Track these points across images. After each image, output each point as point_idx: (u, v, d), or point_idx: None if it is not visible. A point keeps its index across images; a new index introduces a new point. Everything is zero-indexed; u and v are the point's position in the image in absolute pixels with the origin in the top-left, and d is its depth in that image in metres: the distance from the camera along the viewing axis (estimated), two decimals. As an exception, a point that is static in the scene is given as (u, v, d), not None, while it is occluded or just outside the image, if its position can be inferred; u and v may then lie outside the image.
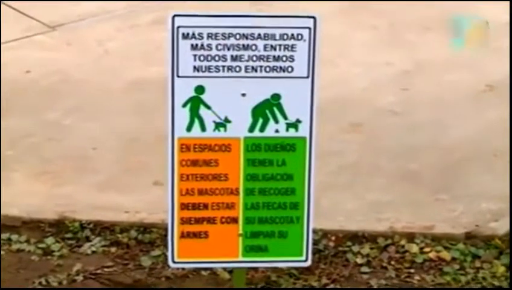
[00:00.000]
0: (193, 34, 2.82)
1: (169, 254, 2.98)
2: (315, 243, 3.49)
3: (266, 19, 2.86)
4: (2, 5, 6.04)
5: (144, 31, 5.70)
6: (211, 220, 2.95)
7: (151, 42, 5.38)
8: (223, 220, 2.96)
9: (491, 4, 5.91)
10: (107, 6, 6.11)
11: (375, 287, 3.47)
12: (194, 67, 2.84)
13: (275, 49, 2.85)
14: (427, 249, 3.65)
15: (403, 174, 4.17)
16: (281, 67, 2.86)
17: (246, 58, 2.85)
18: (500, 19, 5.69)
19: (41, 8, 6.03)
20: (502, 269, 3.52)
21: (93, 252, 3.65)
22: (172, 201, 2.94)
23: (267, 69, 2.86)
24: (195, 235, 2.96)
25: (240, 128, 2.89)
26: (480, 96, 4.88)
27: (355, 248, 3.66)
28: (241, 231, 2.96)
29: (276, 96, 2.88)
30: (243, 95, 2.87)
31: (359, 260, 3.60)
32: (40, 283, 3.47)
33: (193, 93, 2.85)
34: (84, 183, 4.11)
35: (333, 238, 3.69)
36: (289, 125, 2.91)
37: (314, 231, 3.23)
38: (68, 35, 5.72)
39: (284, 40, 2.85)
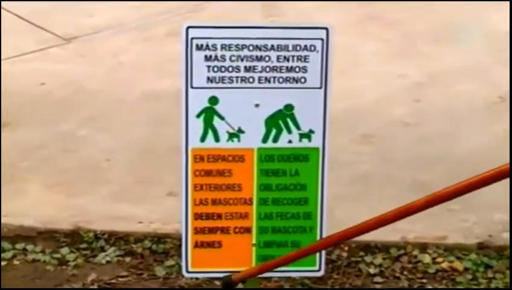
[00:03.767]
0: (207, 45, 2.84)
1: (183, 263, 3.00)
2: (328, 253, 3.49)
3: (279, 30, 2.87)
4: (18, 19, 6.09)
5: (158, 43, 5.73)
6: (224, 230, 2.97)
7: (164, 54, 5.41)
8: (237, 230, 2.97)
9: (502, 14, 5.91)
10: (121, 19, 6.15)
11: (387, 297, 3.49)
12: (208, 78, 2.86)
13: (288, 60, 2.87)
14: (439, 259, 3.65)
15: (414, 185, 4.15)
16: (294, 78, 2.88)
17: (259, 69, 2.87)
18: (509, 29, 5.68)
19: (56, 21, 6.08)
20: (514, 279, 3.54)
21: (108, 262, 3.68)
22: (186, 211, 2.96)
23: (280, 80, 2.88)
24: (209, 245, 2.98)
25: (253, 139, 2.91)
26: (492, 108, 4.88)
27: (368, 258, 3.66)
28: (254, 241, 2.98)
29: (289, 107, 2.90)
30: (257, 105, 2.89)
31: (372, 270, 3.61)
32: (55, 293, 3.51)
33: (207, 104, 2.88)
34: (99, 194, 4.14)
35: (346, 248, 3.70)
36: (302, 136, 2.92)
37: (327, 241, 3.23)
38: (82, 48, 5.76)
39: (297, 51, 2.87)
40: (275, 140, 2.92)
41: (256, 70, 2.86)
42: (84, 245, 3.78)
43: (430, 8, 6.14)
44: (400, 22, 5.97)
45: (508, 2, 5.82)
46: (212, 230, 2.97)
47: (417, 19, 6.01)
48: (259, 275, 3.03)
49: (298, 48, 2.86)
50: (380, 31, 5.84)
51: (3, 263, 3.68)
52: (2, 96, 4.92)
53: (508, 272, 3.58)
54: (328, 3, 6.11)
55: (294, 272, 3.12)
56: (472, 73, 5.23)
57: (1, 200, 3.98)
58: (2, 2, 6.24)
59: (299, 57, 2.87)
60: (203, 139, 2.90)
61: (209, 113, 2.88)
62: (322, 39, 2.86)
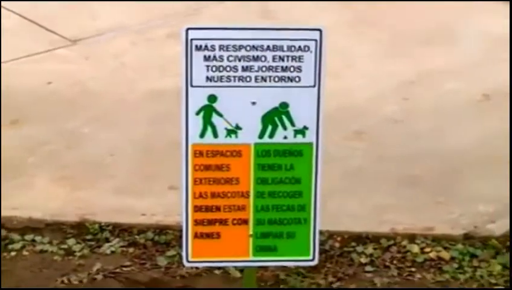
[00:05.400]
0: (206, 46, 2.87)
1: (183, 253, 3.03)
2: (322, 243, 3.53)
3: (275, 31, 2.92)
4: (27, 21, 6.09)
5: (159, 44, 5.73)
6: (223, 222, 3.01)
7: (165, 55, 5.41)
8: (235, 221, 3.02)
9: (490, 14, 5.96)
10: (124, 22, 6.14)
11: (378, 285, 3.56)
12: (207, 77, 2.90)
13: (283, 60, 2.91)
14: (427, 249, 3.72)
15: (404, 179, 4.20)
16: (289, 77, 2.92)
17: (256, 68, 2.90)
18: (496, 29, 5.74)
19: (64, 23, 6.07)
20: (498, 268, 3.61)
21: (112, 252, 3.73)
22: (187, 204, 2.99)
23: (276, 79, 2.92)
24: (208, 236, 3.02)
25: (250, 135, 2.96)
26: (477, 105, 4.91)
27: (360, 248, 3.73)
28: (251, 232, 3.02)
29: (285, 105, 2.94)
30: (253, 103, 2.93)
31: (363, 260, 3.68)
32: (62, 282, 3.55)
33: (206, 102, 2.91)
34: (103, 188, 4.17)
35: (339, 239, 3.77)
36: (297, 132, 2.96)
37: (321, 232, 3.26)
38: (88, 49, 5.76)
39: (291, 51, 2.90)
40: (271, 136, 2.96)
41: (253, 70, 2.90)
42: (89, 236, 3.83)
43: (421, 8, 6.13)
44: (392, 23, 5.96)
45: (500, 3, 5.87)
46: (211, 222, 3.01)
47: (408, 20, 6.00)
48: (256, 265, 3.12)
49: (293, 48, 2.90)
50: (371, 33, 5.83)
51: (12, 254, 3.74)
52: (10, 95, 4.95)
53: (492, 260, 3.65)
54: (322, 5, 6.09)
55: (289, 261, 3.17)
56: (458, 72, 5.24)
57: (9, 194, 4.04)
58: (13, 5, 6.29)
59: (294, 57, 2.91)
60: (202, 135, 2.94)
61: (208, 110, 2.92)
62: (315, 40, 2.89)
